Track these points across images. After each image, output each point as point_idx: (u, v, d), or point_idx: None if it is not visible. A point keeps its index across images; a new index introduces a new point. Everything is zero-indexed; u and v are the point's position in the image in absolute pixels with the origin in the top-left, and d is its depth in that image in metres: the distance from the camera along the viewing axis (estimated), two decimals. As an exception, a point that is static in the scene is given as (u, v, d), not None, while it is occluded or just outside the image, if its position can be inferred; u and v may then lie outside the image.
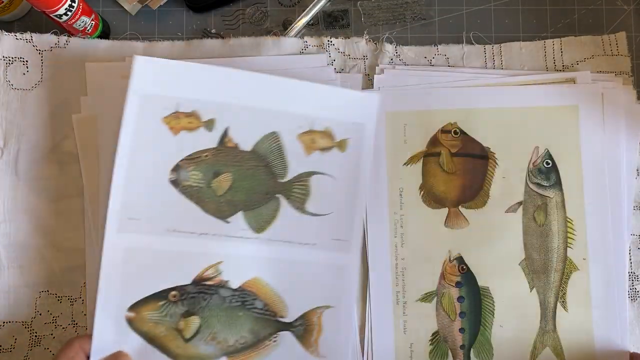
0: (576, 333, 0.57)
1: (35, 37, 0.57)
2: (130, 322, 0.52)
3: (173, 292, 0.53)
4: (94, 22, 0.58)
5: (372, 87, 0.60)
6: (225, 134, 0.55)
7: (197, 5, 0.61)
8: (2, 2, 0.57)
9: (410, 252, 0.58)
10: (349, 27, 0.62)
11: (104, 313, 0.51)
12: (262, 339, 0.55)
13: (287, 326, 0.55)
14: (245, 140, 0.55)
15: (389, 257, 0.58)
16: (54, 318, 0.56)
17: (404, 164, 0.59)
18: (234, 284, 0.54)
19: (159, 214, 0.53)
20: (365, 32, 0.62)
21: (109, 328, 0.51)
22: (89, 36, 0.59)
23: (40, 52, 0.57)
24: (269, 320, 0.55)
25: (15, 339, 0.56)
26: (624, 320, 0.58)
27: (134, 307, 0.52)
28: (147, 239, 0.53)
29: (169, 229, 0.53)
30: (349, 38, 0.61)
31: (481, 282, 0.58)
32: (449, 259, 0.58)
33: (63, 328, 0.56)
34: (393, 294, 0.58)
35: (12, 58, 0.56)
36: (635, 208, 0.59)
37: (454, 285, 0.58)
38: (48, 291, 0.57)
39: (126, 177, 0.52)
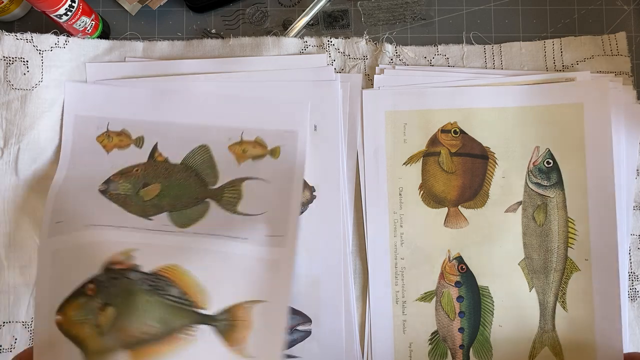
0: (575, 333, 0.57)
1: (36, 37, 0.57)
2: (59, 326, 0.49)
3: (90, 285, 0.49)
4: (94, 22, 0.58)
5: (372, 87, 0.60)
6: (154, 149, 0.58)
7: (197, 5, 0.61)
8: (2, 2, 0.57)
9: (410, 251, 0.58)
10: (349, 27, 0.62)
11: (39, 321, 0.50)
12: (173, 330, 0.48)
13: (208, 319, 0.49)
14: (175, 154, 0.58)
15: (389, 256, 0.58)
16: (54, 318, 0.57)
17: (404, 163, 0.59)
18: (146, 268, 0.49)
19: (80, 213, 0.54)
20: (365, 32, 0.62)
21: (45, 337, 0.49)
22: (89, 36, 0.59)
23: (40, 52, 0.57)
24: (185, 310, 0.49)
25: (15, 339, 0.56)
26: (624, 320, 0.58)
27: (60, 310, 0.49)
28: (69, 237, 0.52)
29: (87, 224, 0.52)
30: (349, 38, 0.61)
31: (480, 282, 0.58)
32: (449, 259, 0.58)
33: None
34: (392, 294, 0.58)
35: (13, 58, 0.56)
36: (635, 208, 0.59)
37: (453, 284, 0.58)
38: (48, 291, 0.57)
39: (59, 189, 0.55)
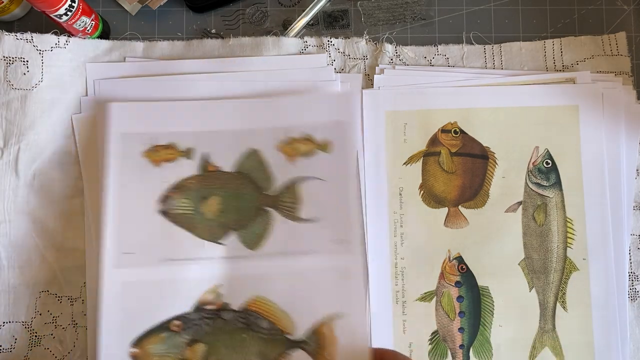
0: (575, 333, 0.57)
1: (36, 37, 0.57)
2: (135, 358, 0.51)
3: (175, 322, 0.52)
4: (94, 22, 0.58)
5: (372, 87, 0.60)
6: (205, 160, 0.56)
7: (197, 5, 0.61)
8: (2, 2, 0.57)
9: (410, 251, 0.58)
10: (349, 27, 0.62)
11: (108, 352, 0.51)
12: None
13: (298, 344, 0.52)
14: (226, 163, 0.56)
15: (389, 256, 0.58)
16: (54, 318, 0.57)
17: (404, 163, 0.59)
18: (236, 305, 0.53)
19: (152, 245, 0.54)
20: (365, 32, 0.62)
21: None
22: (89, 36, 0.59)
23: (40, 52, 0.57)
24: (277, 340, 0.52)
25: (15, 339, 0.56)
26: (624, 320, 0.58)
27: (137, 343, 0.52)
28: (143, 271, 0.53)
29: (163, 258, 0.54)
30: (349, 38, 0.61)
31: (481, 282, 0.58)
32: (449, 259, 0.58)
33: (63, 328, 0.57)
34: (392, 294, 0.58)
35: (13, 58, 0.56)
36: (635, 208, 0.59)
37: (453, 284, 0.58)
38: (48, 291, 0.57)
39: (116, 213, 0.54)
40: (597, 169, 0.59)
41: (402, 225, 0.59)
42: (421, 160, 0.59)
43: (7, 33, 0.56)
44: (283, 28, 0.62)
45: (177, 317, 0.52)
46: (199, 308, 0.53)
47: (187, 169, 0.56)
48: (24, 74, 0.56)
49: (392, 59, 0.61)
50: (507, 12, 0.63)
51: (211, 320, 0.53)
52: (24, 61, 0.56)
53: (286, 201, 0.55)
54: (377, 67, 0.60)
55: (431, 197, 0.59)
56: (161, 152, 0.56)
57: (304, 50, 0.60)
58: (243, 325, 0.53)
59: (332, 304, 0.52)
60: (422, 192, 0.59)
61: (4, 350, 0.56)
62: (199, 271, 0.54)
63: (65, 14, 0.54)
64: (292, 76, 0.59)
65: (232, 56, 0.60)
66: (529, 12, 0.63)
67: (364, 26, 0.62)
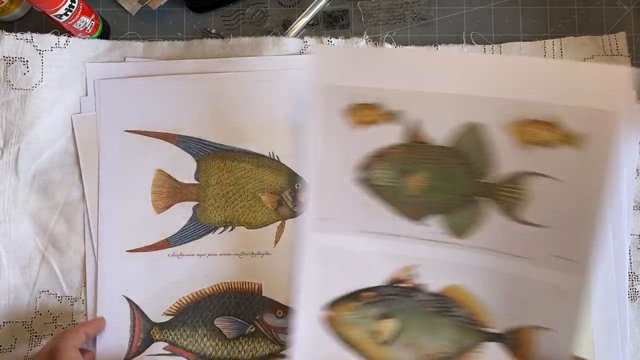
0: (576, 333, 0.57)
1: (36, 37, 0.57)
2: (325, 322, 0.50)
3: (369, 293, 0.50)
4: (94, 22, 0.58)
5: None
6: (414, 128, 0.48)
7: (197, 5, 0.61)
8: (2, 2, 0.57)
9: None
10: (349, 27, 0.62)
11: (303, 314, 0.50)
12: (466, 349, 0.49)
13: (496, 337, 0.48)
14: (439, 134, 0.48)
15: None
16: (54, 318, 0.57)
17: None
18: (432, 287, 0.49)
19: (349, 214, 0.50)
20: (365, 32, 0.62)
21: (307, 329, 0.50)
22: (89, 36, 0.59)
23: (40, 52, 0.57)
24: (473, 330, 0.49)
25: (15, 339, 0.56)
26: (624, 320, 0.58)
27: (330, 307, 0.50)
28: (339, 238, 0.50)
29: (360, 229, 0.50)
30: (349, 38, 0.61)
31: (481, 282, 0.58)
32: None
33: (63, 328, 0.57)
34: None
35: (13, 58, 0.56)
36: (635, 208, 0.59)
37: (454, 285, 0.58)
38: (48, 291, 0.57)
39: (317, 175, 0.49)
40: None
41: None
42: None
43: (7, 33, 0.56)
44: (283, 28, 0.62)
45: (370, 289, 0.50)
46: (392, 284, 0.50)
47: (392, 135, 0.48)
48: (24, 74, 0.56)
49: (392, 59, 0.61)
50: (507, 12, 0.63)
51: (405, 298, 0.49)
52: (24, 61, 0.57)
53: (507, 195, 0.47)
54: (377, 67, 0.60)
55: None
56: (364, 112, 0.48)
57: (304, 50, 0.60)
58: (437, 309, 0.49)
59: (539, 317, 0.47)
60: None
61: (4, 350, 0.56)
62: (395, 248, 0.49)
63: (65, 14, 0.54)
64: (292, 76, 0.59)
65: (232, 56, 0.60)
66: (529, 12, 0.63)
67: (364, 26, 0.62)
